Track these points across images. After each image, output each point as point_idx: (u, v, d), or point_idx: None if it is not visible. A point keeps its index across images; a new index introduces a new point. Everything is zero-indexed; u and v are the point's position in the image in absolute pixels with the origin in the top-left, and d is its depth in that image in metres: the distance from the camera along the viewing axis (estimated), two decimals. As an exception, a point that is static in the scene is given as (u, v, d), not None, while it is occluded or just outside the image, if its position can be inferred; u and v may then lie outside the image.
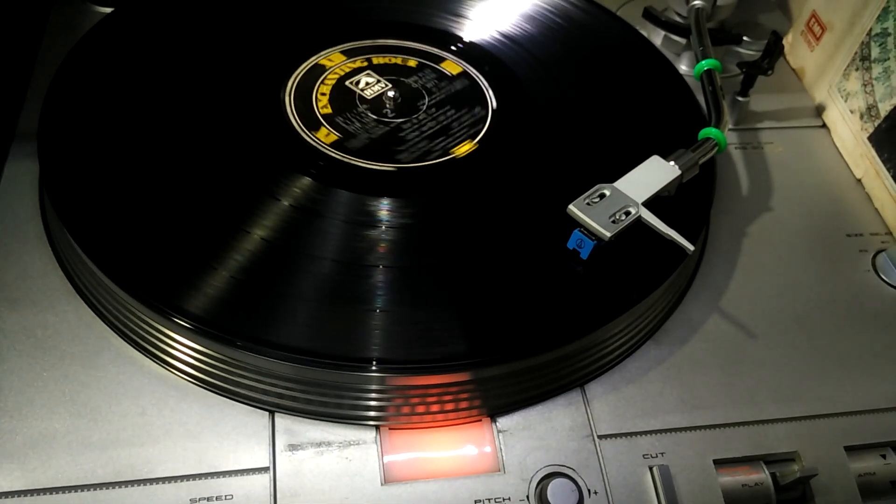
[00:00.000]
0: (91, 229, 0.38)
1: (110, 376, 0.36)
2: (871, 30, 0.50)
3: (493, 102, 0.47)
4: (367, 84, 0.47)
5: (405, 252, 0.39)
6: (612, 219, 0.39)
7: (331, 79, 0.47)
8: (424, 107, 0.47)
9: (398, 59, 0.49)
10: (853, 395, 0.40)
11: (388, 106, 0.46)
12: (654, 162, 0.42)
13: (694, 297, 0.43)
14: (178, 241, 0.38)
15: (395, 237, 0.40)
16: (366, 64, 0.48)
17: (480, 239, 0.41)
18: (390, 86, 0.47)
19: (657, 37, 0.57)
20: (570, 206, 0.39)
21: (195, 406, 0.36)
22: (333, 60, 0.48)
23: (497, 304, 0.38)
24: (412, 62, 0.49)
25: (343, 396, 0.36)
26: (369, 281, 0.38)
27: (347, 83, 0.47)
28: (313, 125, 0.45)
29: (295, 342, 0.35)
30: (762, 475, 0.37)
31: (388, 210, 0.41)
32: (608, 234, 0.38)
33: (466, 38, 0.51)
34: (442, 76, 0.48)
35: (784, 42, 0.59)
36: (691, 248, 0.38)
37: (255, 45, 0.49)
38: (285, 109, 0.45)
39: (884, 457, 0.38)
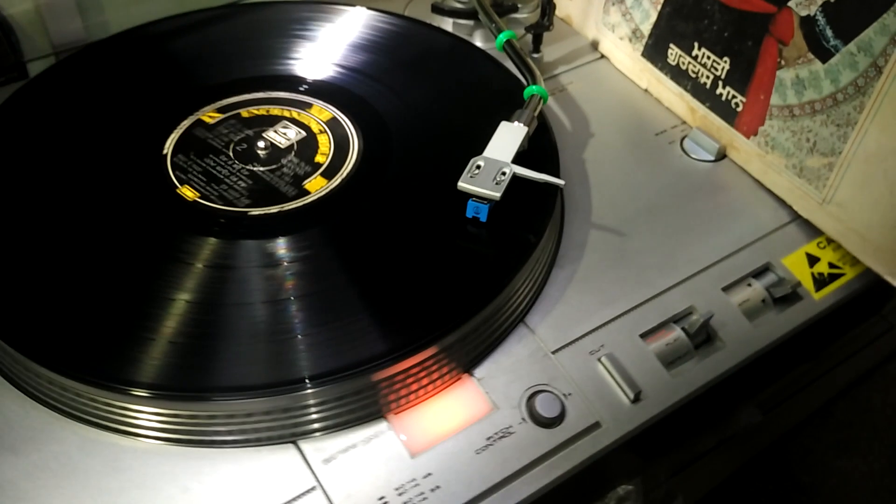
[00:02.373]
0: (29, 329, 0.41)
1: (136, 474, 0.39)
2: (612, -29, 0.61)
3: (352, 131, 0.53)
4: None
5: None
6: (495, 181, 0.46)
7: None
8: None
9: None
10: (711, 248, 0.51)
11: (261, 155, 0.51)
12: (504, 127, 0.50)
13: (570, 222, 0.52)
14: (115, 322, 0.42)
15: (302, 269, 0.45)
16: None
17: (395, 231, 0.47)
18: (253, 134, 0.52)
19: (447, 26, 0.65)
20: (460, 183, 0.46)
21: (228, 465, 0.40)
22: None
23: (432, 283, 0.45)
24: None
25: (349, 404, 0.41)
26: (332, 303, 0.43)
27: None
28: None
29: (294, 374, 0.40)
30: (676, 332, 0.47)
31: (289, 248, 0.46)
32: (498, 195, 0.46)
33: (309, 78, 0.57)
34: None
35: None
36: (562, 182, 0.47)
37: (132, 118, 0.53)
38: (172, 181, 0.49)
39: (749, 285, 0.50)
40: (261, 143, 0.51)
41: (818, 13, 0.48)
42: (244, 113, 0.54)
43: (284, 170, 0.50)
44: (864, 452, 0.74)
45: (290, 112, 0.54)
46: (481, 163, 0.47)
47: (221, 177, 0.50)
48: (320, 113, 0.54)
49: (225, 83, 0.56)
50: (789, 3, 0.49)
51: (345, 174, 0.50)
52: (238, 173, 0.50)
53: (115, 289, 0.44)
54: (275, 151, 0.51)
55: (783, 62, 0.51)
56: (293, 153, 0.51)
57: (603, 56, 0.65)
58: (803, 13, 0.49)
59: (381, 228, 0.48)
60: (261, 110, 0.54)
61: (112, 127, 0.53)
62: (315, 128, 0.53)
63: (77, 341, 0.41)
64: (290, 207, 0.48)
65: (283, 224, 0.47)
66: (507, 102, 0.53)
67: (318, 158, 0.51)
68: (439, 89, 0.57)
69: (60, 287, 0.44)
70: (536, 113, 0.52)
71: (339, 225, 0.47)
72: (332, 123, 0.53)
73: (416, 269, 0.45)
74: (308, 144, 0.52)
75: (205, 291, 0.44)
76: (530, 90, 0.53)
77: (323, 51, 0.59)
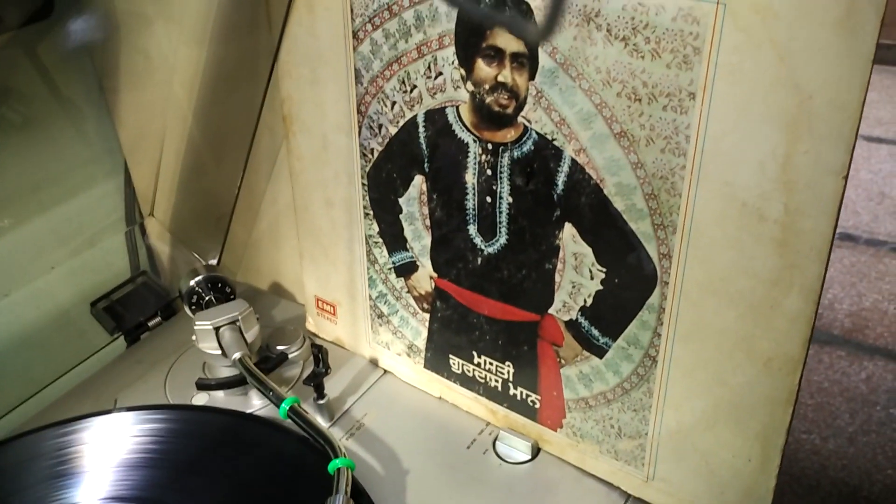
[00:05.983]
0: None
1: None
2: (370, 296, 0.61)
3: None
4: None
5: None
6: None
7: None
8: None
9: None
10: (566, 568, 0.49)
11: None
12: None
13: None
14: None
15: None
16: None
17: None
18: None
19: (218, 399, 0.61)
20: None
21: None
22: None
23: None
24: None
25: None
26: None
27: None
28: None
29: None
30: None
31: None
32: None
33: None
34: None
35: (308, 325, 0.68)
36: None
37: None
38: None
39: None
40: None
41: (579, 316, 0.50)
42: None
43: None
44: None
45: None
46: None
47: None
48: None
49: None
50: (550, 311, 0.51)
51: None
52: None
53: None
54: None
55: (563, 361, 0.52)
56: None
57: (386, 372, 0.63)
58: (566, 318, 0.50)
59: None
60: None
61: None
62: None
63: None
64: None
65: None
66: (308, 471, 0.49)
67: None
68: (237, 484, 0.51)
69: None
70: (349, 487, 0.48)
71: None
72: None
73: None
74: None
75: None
76: (334, 464, 0.49)
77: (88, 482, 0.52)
